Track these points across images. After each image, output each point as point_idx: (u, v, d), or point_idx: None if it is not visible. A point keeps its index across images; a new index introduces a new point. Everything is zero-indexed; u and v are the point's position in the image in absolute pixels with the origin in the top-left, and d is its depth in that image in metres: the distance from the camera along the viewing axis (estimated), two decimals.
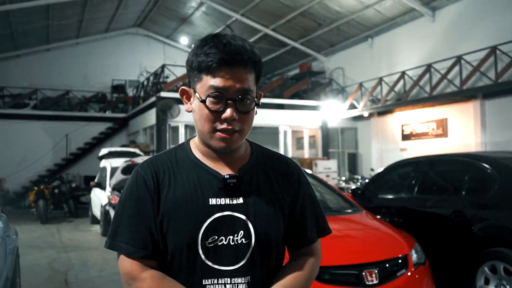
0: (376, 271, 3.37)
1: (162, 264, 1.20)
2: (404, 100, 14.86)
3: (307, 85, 19.04)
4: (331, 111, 17.37)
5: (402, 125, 15.90)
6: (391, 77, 15.82)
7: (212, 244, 1.17)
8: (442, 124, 14.33)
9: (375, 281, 3.33)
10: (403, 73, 15.14)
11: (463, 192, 4.73)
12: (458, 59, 13.07)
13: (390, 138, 16.44)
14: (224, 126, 1.15)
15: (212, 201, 1.19)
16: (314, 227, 1.33)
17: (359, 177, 14.95)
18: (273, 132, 17.42)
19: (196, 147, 1.28)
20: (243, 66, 1.15)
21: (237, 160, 1.26)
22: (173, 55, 22.85)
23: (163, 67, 16.61)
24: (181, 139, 15.25)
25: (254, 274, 1.20)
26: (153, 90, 17.00)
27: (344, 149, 18.85)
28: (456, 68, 13.18)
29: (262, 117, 16.52)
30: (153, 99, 15.69)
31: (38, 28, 18.49)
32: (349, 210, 4.55)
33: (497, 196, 4.42)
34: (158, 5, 20.00)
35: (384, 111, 16.35)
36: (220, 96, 1.14)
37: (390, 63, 16.49)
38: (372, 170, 14.78)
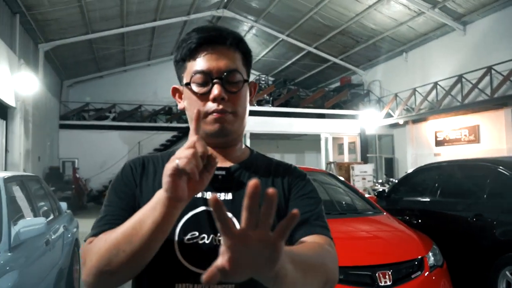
0: (389, 273, 3.06)
1: None
2: (437, 109, 14.01)
3: (347, 96, 18.51)
4: (369, 120, 16.73)
5: (436, 132, 14.99)
6: (424, 87, 14.99)
7: (191, 241, 0.89)
8: (474, 131, 13.36)
9: (389, 283, 3.02)
10: (436, 83, 14.29)
11: (485, 196, 4.28)
12: (489, 69, 12.14)
13: (425, 144, 15.56)
14: (215, 106, 0.91)
15: (197, 194, 0.85)
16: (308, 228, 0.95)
17: (394, 180, 14.25)
18: (315, 139, 17.10)
19: None
20: (224, 43, 0.94)
21: (232, 158, 1.01)
22: None
23: None
24: None
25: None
26: None
27: (381, 154, 18.09)
28: (487, 78, 12.24)
29: (305, 126, 16.43)
30: None
31: (116, 53, 19.26)
32: (370, 212, 4.23)
33: None
34: None
35: (418, 119, 15.51)
36: (204, 77, 0.92)
37: (424, 75, 15.64)
38: None
